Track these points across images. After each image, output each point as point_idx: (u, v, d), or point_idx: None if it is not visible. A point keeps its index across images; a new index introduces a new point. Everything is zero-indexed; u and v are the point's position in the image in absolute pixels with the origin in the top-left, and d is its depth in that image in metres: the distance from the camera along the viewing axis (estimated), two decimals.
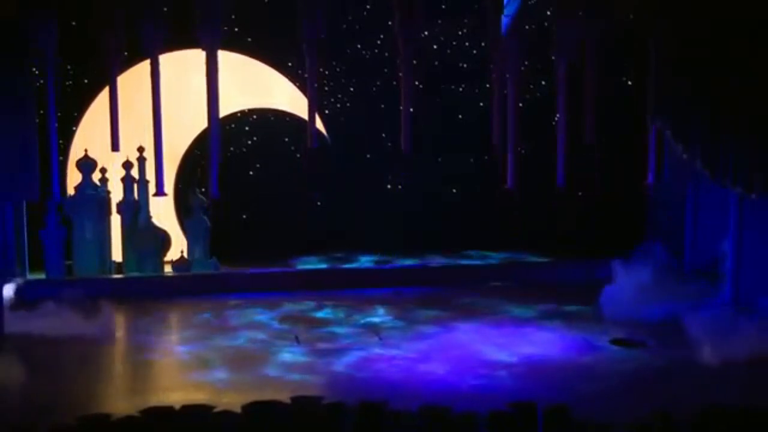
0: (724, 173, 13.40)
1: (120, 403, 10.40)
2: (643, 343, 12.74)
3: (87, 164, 16.22)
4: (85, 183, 16.23)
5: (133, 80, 16.91)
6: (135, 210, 16.37)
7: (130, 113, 16.33)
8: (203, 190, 17.48)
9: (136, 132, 16.68)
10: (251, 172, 18.37)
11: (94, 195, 16.16)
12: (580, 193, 18.23)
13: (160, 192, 16.06)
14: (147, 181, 16.53)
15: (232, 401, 9.41)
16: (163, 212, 17.24)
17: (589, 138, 16.29)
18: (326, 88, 18.35)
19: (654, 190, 17.24)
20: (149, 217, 16.42)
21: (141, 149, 16.49)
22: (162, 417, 8.55)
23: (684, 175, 15.25)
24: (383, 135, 18.62)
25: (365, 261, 17.77)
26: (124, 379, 12.08)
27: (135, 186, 16.51)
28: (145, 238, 16.30)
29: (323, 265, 17.50)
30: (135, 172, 16.55)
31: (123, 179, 16.42)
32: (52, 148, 15.58)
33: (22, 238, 15.91)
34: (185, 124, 17.32)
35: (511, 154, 16.55)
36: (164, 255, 16.51)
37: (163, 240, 16.48)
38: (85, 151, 16.29)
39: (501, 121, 16.70)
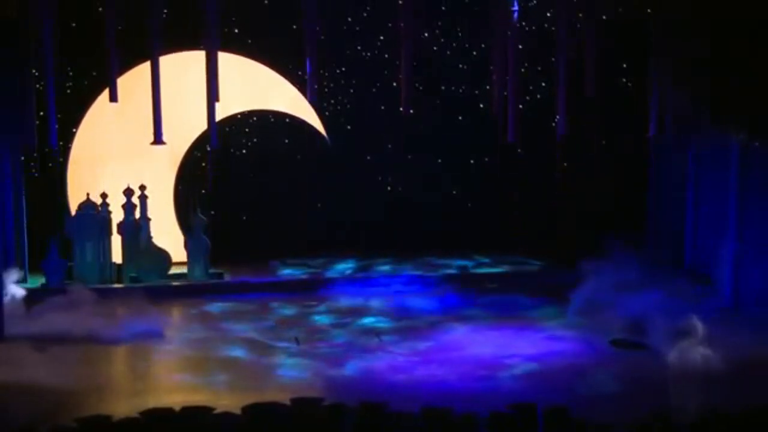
0: (728, 118, 13.12)
1: (120, 404, 10.39)
2: (642, 344, 12.74)
3: (88, 207, 16.12)
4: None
5: (133, 82, 16.88)
6: (136, 230, 16.31)
7: (129, 115, 16.31)
8: (203, 191, 17.54)
9: (135, 134, 16.73)
10: (251, 174, 18.34)
11: (94, 216, 16.06)
12: (580, 194, 18.21)
13: (158, 140, 15.70)
14: (149, 219, 16.40)
15: (232, 403, 9.40)
16: (163, 212, 17.26)
17: (589, 91, 16.04)
18: (326, 90, 18.34)
19: (654, 189, 17.27)
20: (150, 238, 16.38)
21: (143, 187, 16.41)
22: (162, 418, 8.56)
23: (685, 129, 15.08)
24: (383, 136, 18.63)
25: (365, 263, 17.73)
26: (123, 380, 12.09)
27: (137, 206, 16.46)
28: (147, 259, 16.27)
29: (323, 268, 17.45)
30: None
31: (124, 205, 16.28)
32: (52, 149, 15.54)
33: (23, 241, 15.92)
34: (185, 126, 17.26)
35: (512, 106, 16.18)
36: (165, 275, 16.45)
37: (165, 261, 16.42)
38: (87, 195, 16.13)
39: (501, 75, 16.39)
